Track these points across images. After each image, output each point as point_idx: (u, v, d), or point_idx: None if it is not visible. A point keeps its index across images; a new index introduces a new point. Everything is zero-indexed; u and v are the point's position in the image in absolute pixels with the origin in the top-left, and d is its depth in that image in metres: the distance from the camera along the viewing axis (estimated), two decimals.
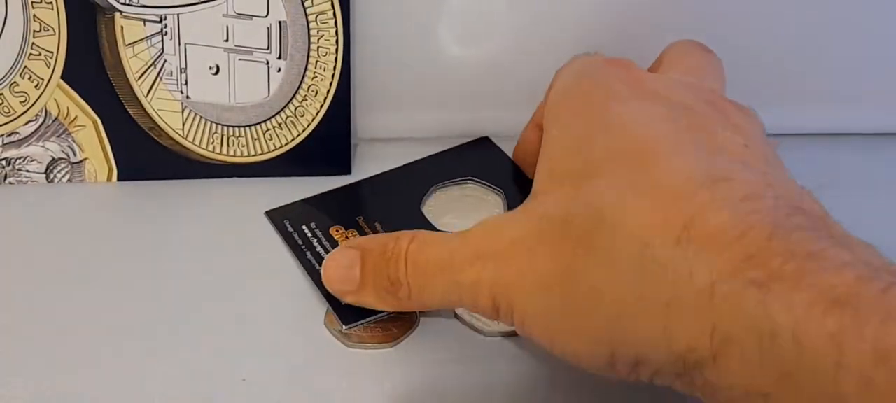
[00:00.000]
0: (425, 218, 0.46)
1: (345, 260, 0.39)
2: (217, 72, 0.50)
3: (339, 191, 0.48)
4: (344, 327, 0.41)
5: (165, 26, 0.49)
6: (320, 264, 0.41)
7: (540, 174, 0.37)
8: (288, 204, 0.47)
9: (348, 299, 0.40)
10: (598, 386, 0.39)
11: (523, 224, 0.34)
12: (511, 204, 0.46)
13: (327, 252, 0.42)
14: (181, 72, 0.50)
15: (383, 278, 0.37)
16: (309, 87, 0.51)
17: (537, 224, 0.33)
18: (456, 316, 0.43)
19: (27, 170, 0.51)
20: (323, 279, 0.40)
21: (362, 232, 0.45)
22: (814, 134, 0.57)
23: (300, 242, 0.45)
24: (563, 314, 0.32)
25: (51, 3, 0.48)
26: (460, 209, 0.47)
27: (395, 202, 0.47)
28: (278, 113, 0.51)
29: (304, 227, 0.45)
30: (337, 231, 0.44)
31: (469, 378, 0.40)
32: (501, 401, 0.40)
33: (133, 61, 0.49)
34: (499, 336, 0.42)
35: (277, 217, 0.47)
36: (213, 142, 0.51)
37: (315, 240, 0.45)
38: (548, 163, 0.36)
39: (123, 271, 0.46)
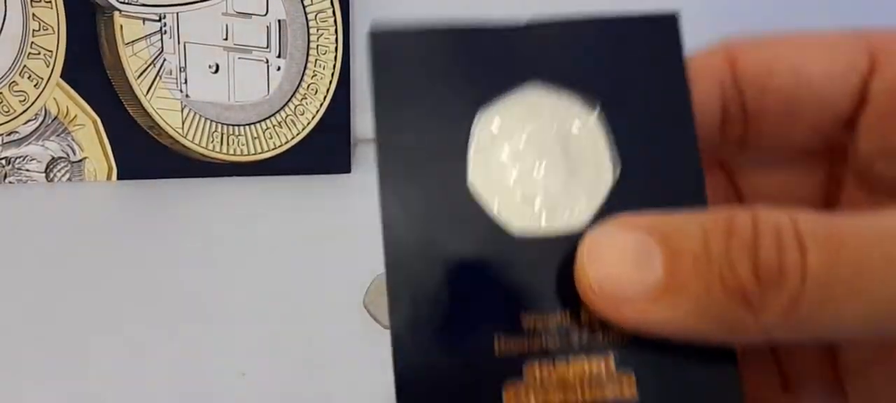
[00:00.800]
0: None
1: (630, 242, 0.21)
2: (216, 71, 0.50)
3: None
4: None
5: (165, 25, 0.49)
6: None
7: None
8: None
9: (630, 314, 0.21)
10: None
11: None
12: (626, 128, 0.23)
13: None
14: (181, 70, 0.50)
15: (738, 265, 0.20)
16: (308, 86, 0.51)
17: None
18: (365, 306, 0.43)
19: (27, 170, 0.51)
20: (582, 274, 0.21)
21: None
22: None
23: None
24: None
25: (50, 2, 0.48)
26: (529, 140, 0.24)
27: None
28: (278, 111, 0.51)
29: None
30: None
31: None
32: None
33: (132, 60, 0.49)
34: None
35: None
36: (212, 141, 0.51)
37: None
38: None
39: (123, 269, 0.46)
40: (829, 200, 0.26)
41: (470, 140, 0.23)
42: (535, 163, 0.23)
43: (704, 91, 0.24)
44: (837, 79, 0.24)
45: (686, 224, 0.21)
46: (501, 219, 0.22)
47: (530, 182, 0.23)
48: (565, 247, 0.22)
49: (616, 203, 0.22)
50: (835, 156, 0.25)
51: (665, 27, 0.23)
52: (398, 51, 0.24)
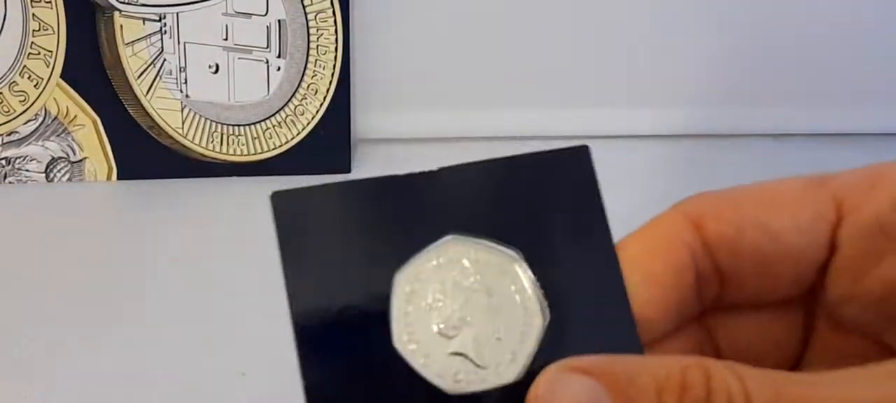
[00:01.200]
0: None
1: (580, 388, 0.21)
2: (216, 71, 0.50)
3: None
4: None
5: (165, 25, 0.49)
6: None
7: None
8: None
9: None
10: None
11: None
12: (552, 284, 0.22)
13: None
14: (181, 70, 0.50)
15: None
16: (308, 86, 0.51)
17: None
18: None
19: (27, 170, 0.51)
20: None
21: None
22: (813, 134, 0.57)
23: None
24: None
25: (50, 2, 0.48)
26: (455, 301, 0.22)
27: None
28: (278, 112, 0.51)
29: None
30: None
31: None
32: None
33: (132, 60, 0.49)
34: None
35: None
36: (212, 141, 0.51)
37: None
38: None
39: (123, 269, 0.46)
40: (805, 341, 0.26)
41: (390, 300, 0.21)
42: (461, 317, 0.22)
43: (677, 259, 0.24)
44: (807, 232, 0.24)
45: (638, 374, 0.21)
46: (433, 379, 0.21)
47: (458, 337, 0.21)
48: (502, 401, 0.21)
49: (548, 350, 0.21)
50: (809, 298, 0.26)
51: (577, 160, 0.23)
52: (304, 213, 0.22)
